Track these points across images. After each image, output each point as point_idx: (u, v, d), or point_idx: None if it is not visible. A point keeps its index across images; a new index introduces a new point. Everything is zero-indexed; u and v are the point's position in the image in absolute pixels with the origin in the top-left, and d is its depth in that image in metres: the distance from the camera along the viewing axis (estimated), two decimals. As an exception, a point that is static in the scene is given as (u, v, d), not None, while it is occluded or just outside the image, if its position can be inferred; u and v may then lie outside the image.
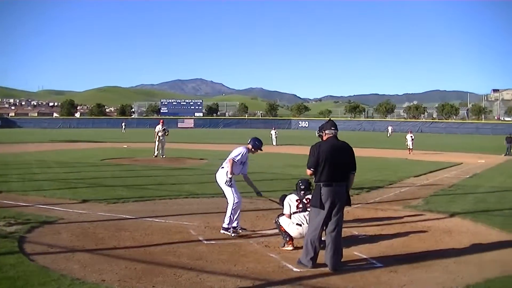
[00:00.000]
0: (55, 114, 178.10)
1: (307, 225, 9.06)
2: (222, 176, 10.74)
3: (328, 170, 8.36)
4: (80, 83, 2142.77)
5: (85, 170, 22.83)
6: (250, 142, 11.07)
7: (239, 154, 10.70)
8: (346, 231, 11.00)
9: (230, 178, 10.60)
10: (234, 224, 10.86)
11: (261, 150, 11.18)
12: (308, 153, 8.70)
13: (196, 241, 10.07)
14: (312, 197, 8.78)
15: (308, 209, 9.17)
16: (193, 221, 11.77)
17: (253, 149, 11.02)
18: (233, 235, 10.42)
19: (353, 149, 8.83)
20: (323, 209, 8.37)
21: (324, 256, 8.46)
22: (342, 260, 8.53)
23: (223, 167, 10.81)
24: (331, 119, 9.50)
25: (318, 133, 9.41)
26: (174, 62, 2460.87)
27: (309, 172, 8.59)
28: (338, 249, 8.44)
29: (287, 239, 9.53)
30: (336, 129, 8.77)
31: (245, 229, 10.77)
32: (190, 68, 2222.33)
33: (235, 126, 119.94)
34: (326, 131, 8.78)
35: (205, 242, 10.00)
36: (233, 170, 10.63)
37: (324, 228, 8.55)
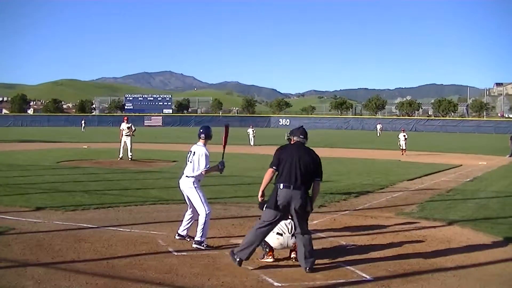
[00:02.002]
0: (4, 111, 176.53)
1: (288, 234, 9.38)
2: (188, 183, 10.70)
3: (288, 172, 8.95)
4: (33, 75, 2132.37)
5: (40, 173, 22.64)
6: (201, 134, 10.99)
7: (207, 158, 10.63)
8: (332, 241, 11.07)
9: (198, 179, 10.69)
10: (183, 233, 10.93)
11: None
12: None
13: (165, 252, 10.03)
14: (269, 198, 9.11)
15: (290, 217, 9.35)
16: (162, 230, 11.72)
17: (207, 140, 11.00)
18: (205, 247, 10.36)
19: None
20: (277, 210, 8.92)
21: (298, 258, 8.98)
22: (330, 275, 8.66)
23: (188, 176, 10.76)
24: (303, 126, 9.85)
25: (287, 136, 9.72)
26: (140, 53, 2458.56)
27: (270, 170, 9.15)
28: (311, 250, 9.00)
29: (267, 249, 9.52)
30: (305, 138, 9.46)
31: (192, 237, 10.69)
32: (158, 59, 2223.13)
33: (208, 124, 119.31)
34: (295, 138, 9.45)
35: (175, 253, 9.96)
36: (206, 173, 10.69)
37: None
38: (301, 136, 9.36)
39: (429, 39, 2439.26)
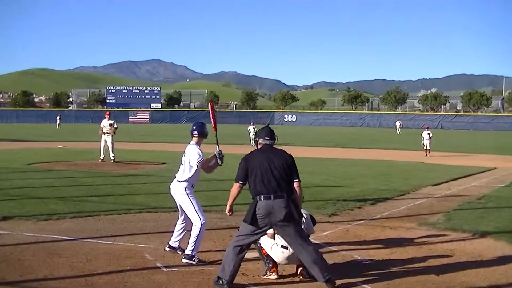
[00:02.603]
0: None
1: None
2: (180, 189, 10.72)
3: (263, 182, 8.99)
4: (0, 64, 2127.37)
5: (7, 177, 22.64)
6: (194, 131, 10.99)
7: (199, 154, 10.64)
8: (345, 255, 11.07)
9: (191, 184, 10.73)
10: (174, 245, 10.96)
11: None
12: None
13: (153, 268, 10.04)
14: (247, 211, 9.16)
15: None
16: (149, 243, 11.76)
17: (201, 138, 11.04)
18: (196, 262, 10.35)
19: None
20: (254, 225, 8.93)
21: (312, 272, 8.87)
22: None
23: (179, 181, 10.78)
24: (268, 125, 9.96)
25: (254, 138, 9.79)
26: (124, 39, 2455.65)
27: (236, 185, 9.25)
28: (322, 259, 8.87)
29: (270, 265, 9.52)
30: (271, 138, 9.53)
31: (184, 249, 10.70)
32: (145, 46, 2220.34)
33: (203, 120, 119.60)
34: (260, 140, 9.57)
35: (165, 269, 9.98)
36: (203, 167, 10.72)
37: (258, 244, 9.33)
38: (266, 138, 9.44)
39: (457, 23, 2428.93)
